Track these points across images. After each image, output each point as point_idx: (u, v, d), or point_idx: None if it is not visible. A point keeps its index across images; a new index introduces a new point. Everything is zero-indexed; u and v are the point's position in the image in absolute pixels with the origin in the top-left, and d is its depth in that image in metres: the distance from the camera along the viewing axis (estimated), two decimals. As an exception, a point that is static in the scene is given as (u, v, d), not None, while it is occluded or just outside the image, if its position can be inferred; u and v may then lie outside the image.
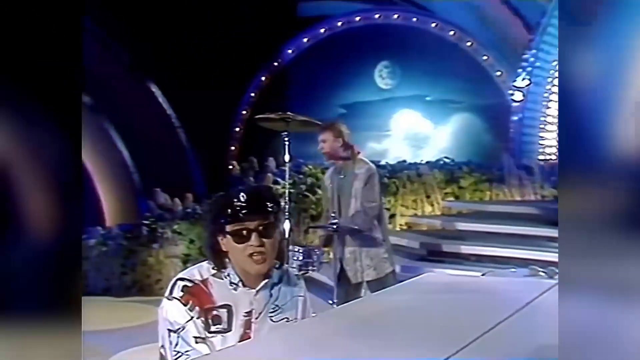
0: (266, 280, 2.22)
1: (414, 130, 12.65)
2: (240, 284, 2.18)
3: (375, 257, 4.84)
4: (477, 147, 11.37)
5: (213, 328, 2.14)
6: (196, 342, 2.10)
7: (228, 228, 2.13)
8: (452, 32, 12.23)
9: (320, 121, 4.77)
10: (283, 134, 4.53)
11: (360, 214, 4.78)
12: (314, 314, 2.35)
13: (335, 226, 4.67)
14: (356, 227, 4.77)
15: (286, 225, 4.43)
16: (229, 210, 2.13)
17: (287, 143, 4.53)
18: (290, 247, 4.57)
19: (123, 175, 12.04)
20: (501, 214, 7.99)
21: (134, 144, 12.12)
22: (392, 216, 8.80)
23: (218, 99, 11.41)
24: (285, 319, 2.27)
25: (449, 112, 12.39)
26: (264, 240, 2.14)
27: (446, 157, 9.52)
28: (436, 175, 9.12)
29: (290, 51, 13.25)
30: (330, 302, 4.73)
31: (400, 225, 8.83)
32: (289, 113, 4.56)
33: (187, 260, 8.07)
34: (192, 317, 2.11)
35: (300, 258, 4.60)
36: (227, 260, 2.19)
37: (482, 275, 5.91)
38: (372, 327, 1.84)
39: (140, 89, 12.30)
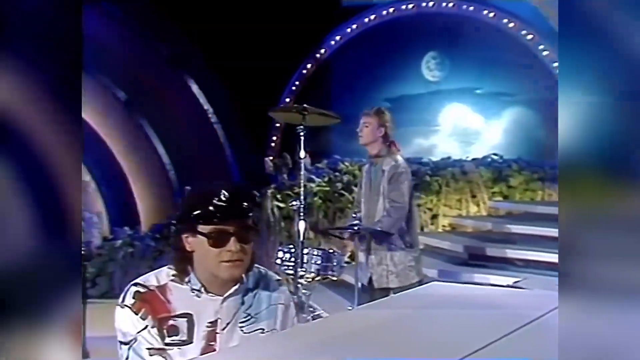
0: (236, 286, 2.03)
1: (463, 125, 12.29)
2: (202, 290, 2.00)
3: (400, 264, 4.65)
4: (528, 144, 10.98)
5: (168, 339, 1.95)
6: (150, 355, 1.93)
7: (203, 229, 1.94)
8: (507, 22, 11.83)
9: (337, 116, 4.58)
10: (298, 127, 4.33)
11: (385, 215, 4.61)
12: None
13: (356, 227, 4.47)
14: (379, 229, 4.57)
15: (301, 226, 4.23)
16: (206, 209, 1.94)
17: (302, 137, 4.32)
18: (307, 250, 4.39)
19: (159, 173, 12.06)
20: (554, 215, 7.61)
21: (170, 140, 12.15)
22: (435, 217, 8.57)
23: (258, 93, 11.33)
24: (260, 330, 2.06)
25: (500, 106, 11.99)
26: (243, 245, 1.97)
27: (494, 154, 9.19)
28: (483, 173, 8.82)
29: (333, 41, 13.07)
30: (350, 307, 4.55)
31: (443, 226, 8.58)
32: (305, 105, 4.38)
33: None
34: (145, 327, 1.94)
35: (319, 262, 4.42)
36: (189, 266, 2.01)
37: (516, 282, 5.67)
38: (352, 342, 1.62)
39: (177, 83, 12.31)
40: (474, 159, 9.36)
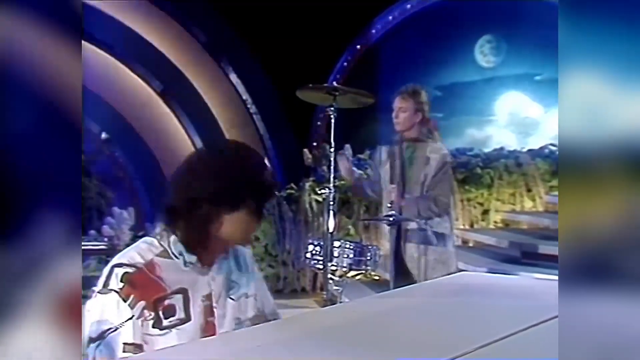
0: (223, 255, 2.07)
1: (521, 115, 12.08)
2: (198, 263, 1.98)
3: (444, 253, 4.58)
4: (592, 134, 10.71)
5: (166, 322, 1.89)
6: (123, 351, 1.83)
7: (250, 205, 1.94)
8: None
9: (370, 95, 4.45)
10: (329, 109, 4.26)
11: (425, 201, 4.47)
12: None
13: (392, 219, 4.41)
14: (417, 219, 4.50)
15: (331, 220, 4.19)
16: (265, 183, 1.96)
17: (332, 120, 4.24)
18: (339, 244, 4.37)
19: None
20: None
21: (208, 132, 12.24)
22: (486, 212, 8.45)
23: (300, 82, 11.27)
24: (244, 295, 2.10)
25: (562, 94, 11.75)
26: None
27: (552, 145, 8.99)
28: (539, 165, 8.64)
29: (380, 25, 12.99)
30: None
31: (495, 222, 8.45)
32: (335, 84, 4.34)
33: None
34: (131, 317, 1.84)
35: (351, 255, 4.40)
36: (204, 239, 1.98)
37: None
38: (368, 329, 1.66)
39: (214, 72, 12.40)
40: (529, 150, 9.18)
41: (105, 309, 1.85)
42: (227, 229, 1.95)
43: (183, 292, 1.94)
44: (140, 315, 1.87)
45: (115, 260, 1.94)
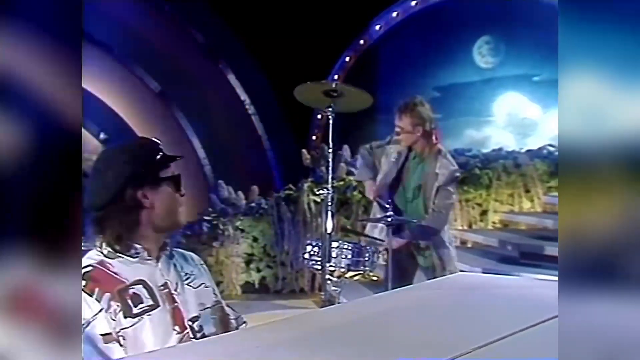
0: (166, 248, 2.14)
1: (519, 115, 12.09)
2: (145, 254, 2.06)
3: (446, 258, 4.61)
4: (590, 135, 10.73)
5: (136, 309, 1.96)
6: (105, 343, 1.88)
7: (165, 174, 2.08)
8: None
9: (369, 95, 4.45)
10: (328, 110, 4.26)
11: (433, 213, 4.54)
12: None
13: (390, 219, 4.42)
14: (415, 220, 4.53)
15: (329, 221, 4.18)
16: (160, 157, 2.09)
17: (330, 121, 4.24)
18: (337, 244, 4.37)
19: (194, 167, 12.17)
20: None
21: (206, 133, 12.24)
22: (484, 212, 8.45)
23: (298, 83, 11.26)
24: (203, 285, 2.17)
25: (560, 95, 11.76)
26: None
27: (550, 145, 8.99)
28: (538, 165, 8.64)
29: (378, 26, 13.00)
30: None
31: (494, 223, 8.45)
32: (334, 84, 4.32)
33: (249, 261, 8.03)
34: (100, 310, 1.91)
35: (349, 256, 4.39)
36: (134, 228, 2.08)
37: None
38: (362, 330, 1.63)
39: (213, 73, 12.40)
40: (528, 151, 9.18)
41: None
42: (154, 212, 2.06)
43: (142, 282, 2.02)
44: (109, 307, 1.93)
45: None
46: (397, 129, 4.62)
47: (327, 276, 4.26)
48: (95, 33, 10.75)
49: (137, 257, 2.05)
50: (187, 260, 2.22)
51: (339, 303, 4.25)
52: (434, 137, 4.64)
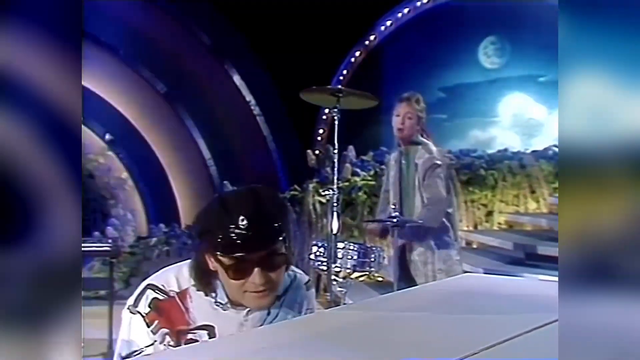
0: (269, 306, 1.92)
1: (525, 116, 12.07)
2: (229, 305, 1.88)
3: (448, 260, 4.59)
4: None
5: None
6: None
7: (221, 259, 1.77)
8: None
9: (374, 97, 4.46)
10: (333, 110, 4.26)
11: (423, 210, 4.53)
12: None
13: (395, 220, 4.42)
14: (420, 222, 4.51)
15: (334, 222, 4.18)
16: (222, 238, 1.73)
17: (336, 121, 4.24)
18: (343, 245, 4.37)
19: (199, 168, 12.19)
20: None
21: (212, 134, 12.25)
22: (490, 213, 8.44)
23: (304, 83, 11.24)
24: None
25: (566, 95, 11.73)
26: (270, 274, 1.79)
27: (556, 146, 8.97)
28: (543, 166, 8.62)
29: (384, 27, 12.99)
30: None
31: (499, 223, 8.43)
32: (339, 87, 4.34)
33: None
34: (153, 343, 1.82)
35: (355, 257, 4.40)
36: (216, 280, 1.86)
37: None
38: (368, 331, 1.63)
39: (218, 74, 12.41)
40: (533, 152, 9.17)
41: (132, 329, 1.86)
42: (224, 282, 1.85)
43: (209, 328, 1.88)
44: (162, 341, 1.85)
45: (151, 279, 1.91)
46: (404, 116, 4.61)
47: (333, 277, 4.27)
48: (100, 34, 10.78)
49: (220, 306, 1.88)
50: (289, 306, 1.98)
51: (344, 304, 4.25)
52: (421, 133, 4.65)
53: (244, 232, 1.71)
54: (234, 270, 1.77)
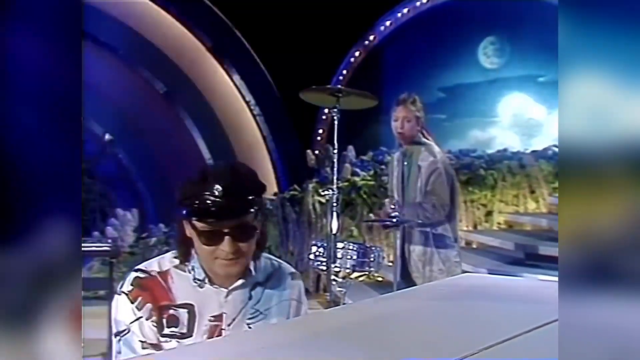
0: (242, 280, 1.98)
1: (525, 116, 12.07)
2: (206, 281, 1.96)
3: (447, 261, 4.59)
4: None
5: (167, 330, 1.92)
6: (143, 348, 1.89)
7: (195, 225, 1.87)
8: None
9: (374, 97, 4.46)
10: (333, 110, 4.26)
11: (422, 209, 4.51)
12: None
13: (395, 220, 4.43)
14: (420, 221, 4.51)
15: (334, 222, 4.18)
16: (198, 203, 1.83)
17: (335, 121, 4.24)
18: (343, 245, 4.38)
19: (199, 167, 12.18)
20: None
21: (211, 133, 12.25)
22: (489, 213, 8.44)
23: (303, 83, 11.22)
24: None
25: (565, 95, 11.73)
26: (240, 244, 1.89)
27: (555, 146, 8.97)
28: (543, 166, 8.63)
29: (383, 27, 13.00)
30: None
31: (499, 223, 8.44)
32: (339, 87, 4.34)
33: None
34: (139, 318, 1.90)
35: (355, 257, 4.40)
36: (192, 249, 1.95)
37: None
38: (366, 331, 1.61)
39: (218, 74, 12.41)
40: (533, 152, 9.18)
41: (118, 309, 1.95)
42: (197, 248, 1.93)
43: (189, 307, 1.95)
44: (150, 317, 1.92)
45: (137, 266, 2.02)
46: (402, 120, 4.56)
47: (332, 277, 4.27)
48: (100, 35, 10.78)
49: (197, 282, 1.97)
50: (273, 293, 2.05)
51: (344, 304, 4.25)
52: (422, 133, 4.64)
53: (218, 199, 1.82)
54: (206, 236, 1.87)
